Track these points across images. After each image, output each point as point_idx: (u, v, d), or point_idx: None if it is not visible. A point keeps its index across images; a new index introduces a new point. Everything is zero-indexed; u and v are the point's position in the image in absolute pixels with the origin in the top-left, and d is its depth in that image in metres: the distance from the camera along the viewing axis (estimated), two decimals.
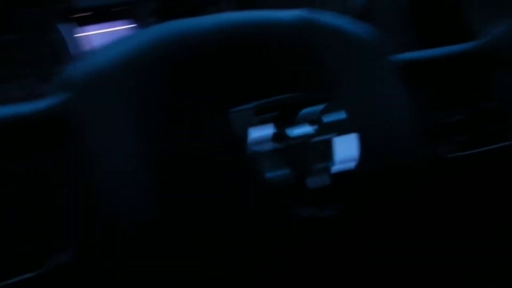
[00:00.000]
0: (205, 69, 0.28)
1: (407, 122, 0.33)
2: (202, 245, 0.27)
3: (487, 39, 0.43)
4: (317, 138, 0.29)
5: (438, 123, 0.39)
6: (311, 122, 0.29)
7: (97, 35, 0.68)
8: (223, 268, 0.28)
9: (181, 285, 0.30)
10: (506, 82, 0.40)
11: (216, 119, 0.28)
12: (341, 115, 0.30)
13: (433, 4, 0.60)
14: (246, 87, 0.29)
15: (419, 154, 0.34)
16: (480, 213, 0.48)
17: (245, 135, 0.28)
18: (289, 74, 0.30)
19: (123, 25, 0.69)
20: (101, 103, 0.28)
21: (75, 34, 0.66)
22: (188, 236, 0.26)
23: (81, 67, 0.31)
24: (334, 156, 0.29)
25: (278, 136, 0.29)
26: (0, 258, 0.24)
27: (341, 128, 0.30)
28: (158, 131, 0.27)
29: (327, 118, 0.30)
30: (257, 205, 0.28)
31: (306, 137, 0.29)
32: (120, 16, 0.69)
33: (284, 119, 0.29)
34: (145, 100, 0.27)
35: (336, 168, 0.29)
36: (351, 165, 0.29)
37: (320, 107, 0.30)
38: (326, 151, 0.29)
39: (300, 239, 0.29)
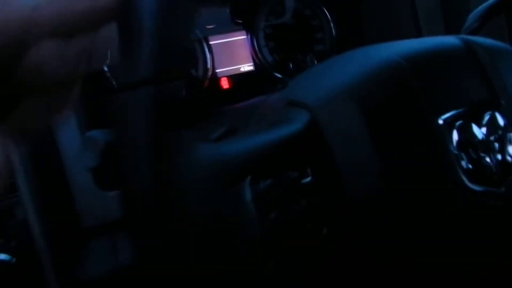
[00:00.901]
0: (410, 88, 0.37)
1: None
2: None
3: None
4: (493, 137, 0.38)
5: None
6: (488, 125, 0.38)
7: (218, 45, 0.77)
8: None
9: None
10: None
11: (424, 128, 0.37)
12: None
13: None
14: (440, 101, 0.38)
15: None
16: None
17: (445, 139, 0.37)
18: (466, 88, 0.39)
19: (241, 36, 0.79)
20: (338, 121, 0.37)
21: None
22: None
23: (312, 87, 0.40)
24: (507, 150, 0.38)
25: (467, 140, 0.38)
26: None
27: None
28: (387, 143, 0.36)
29: (497, 121, 0.39)
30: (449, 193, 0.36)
31: (487, 137, 0.38)
32: (238, 29, 0.79)
33: (468, 126, 0.38)
34: (375, 119, 0.36)
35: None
36: None
37: (491, 113, 0.39)
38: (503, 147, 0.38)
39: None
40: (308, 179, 0.36)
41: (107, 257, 0.63)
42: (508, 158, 0.38)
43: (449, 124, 0.37)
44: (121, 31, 0.27)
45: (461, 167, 0.37)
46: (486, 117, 0.38)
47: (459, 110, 0.37)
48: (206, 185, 0.30)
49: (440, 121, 0.37)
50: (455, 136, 0.37)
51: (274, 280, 0.32)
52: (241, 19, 0.80)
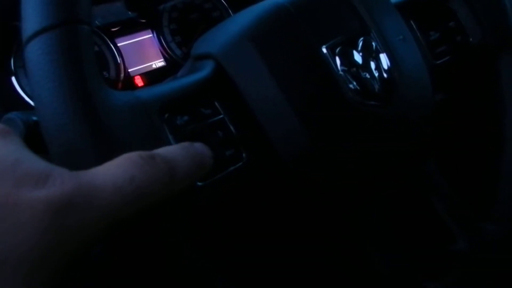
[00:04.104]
0: (295, 25, 0.44)
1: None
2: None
3: None
4: (369, 58, 0.46)
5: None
6: (363, 49, 0.46)
7: (126, 46, 0.80)
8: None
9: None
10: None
11: (311, 56, 0.43)
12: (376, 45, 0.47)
13: None
14: (320, 33, 0.44)
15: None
16: None
17: (331, 64, 0.43)
18: (341, 22, 0.46)
19: (147, 35, 0.82)
20: (239, 61, 0.42)
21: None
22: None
23: (212, 40, 0.45)
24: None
25: (349, 61, 0.45)
26: None
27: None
28: (283, 73, 0.42)
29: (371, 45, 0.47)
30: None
31: (364, 59, 0.45)
32: (143, 28, 0.82)
33: (348, 52, 0.45)
34: (270, 54, 0.42)
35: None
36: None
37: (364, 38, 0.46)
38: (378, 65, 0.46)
39: None
40: (221, 115, 0.41)
41: None
42: (384, 74, 0.46)
43: (332, 51, 0.44)
44: None
45: (349, 86, 0.44)
46: (360, 43, 0.46)
47: (337, 38, 0.44)
48: (128, 124, 0.33)
49: (324, 49, 0.44)
50: (338, 61, 0.44)
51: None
52: (144, 19, 0.84)
